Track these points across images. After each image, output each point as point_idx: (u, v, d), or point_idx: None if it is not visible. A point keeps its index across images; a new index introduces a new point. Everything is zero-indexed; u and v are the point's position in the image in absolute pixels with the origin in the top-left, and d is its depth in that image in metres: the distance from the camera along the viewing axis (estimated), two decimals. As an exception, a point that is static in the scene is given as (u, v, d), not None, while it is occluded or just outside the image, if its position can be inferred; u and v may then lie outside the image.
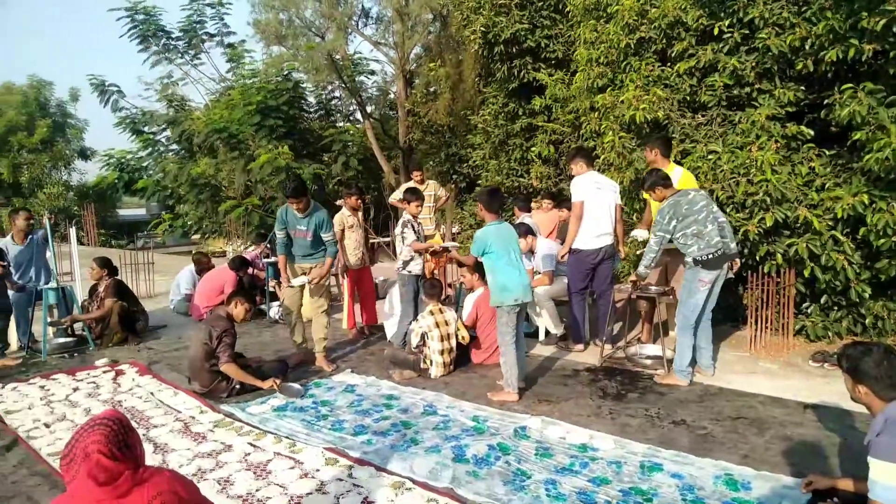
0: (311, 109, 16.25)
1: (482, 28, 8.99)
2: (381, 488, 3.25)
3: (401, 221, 5.96)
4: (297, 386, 4.93)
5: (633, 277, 5.19)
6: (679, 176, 5.13)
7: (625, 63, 6.55)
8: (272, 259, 8.10)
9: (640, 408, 4.38)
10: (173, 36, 15.53)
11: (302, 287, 5.58)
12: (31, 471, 3.65)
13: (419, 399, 4.68)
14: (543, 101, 9.09)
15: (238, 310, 5.02)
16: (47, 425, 4.35)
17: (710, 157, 5.64)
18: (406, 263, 5.89)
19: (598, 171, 6.33)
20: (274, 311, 7.66)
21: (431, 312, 5.26)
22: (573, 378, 5.14)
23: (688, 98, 6.17)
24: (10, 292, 6.29)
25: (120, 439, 2.02)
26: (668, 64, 6.32)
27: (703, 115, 6.16)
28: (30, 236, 6.57)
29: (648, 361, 5.34)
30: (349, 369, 5.51)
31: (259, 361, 5.32)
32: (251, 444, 3.89)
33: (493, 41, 9.09)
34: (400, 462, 3.55)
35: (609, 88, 6.58)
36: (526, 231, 6.16)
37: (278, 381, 4.88)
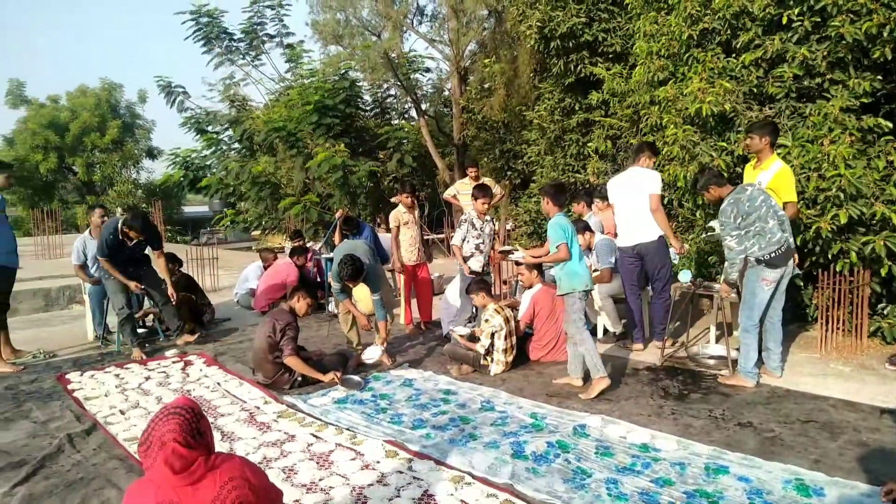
0: (367, 107, 16.47)
1: (538, 23, 8.90)
2: (441, 482, 3.29)
3: (462, 218, 5.99)
4: (357, 378, 5.02)
5: (723, 287, 4.91)
6: (777, 170, 4.79)
7: (687, 55, 6.37)
8: (329, 255, 8.28)
9: (703, 409, 4.27)
10: (235, 38, 15.99)
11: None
12: (109, 454, 3.84)
13: (476, 395, 4.70)
14: (600, 96, 8.94)
15: (300, 304, 5.14)
16: (122, 412, 4.57)
17: (778, 151, 5.44)
18: (466, 259, 5.92)
19: (658, 165, 6.19)
20: (333, 305, 7.81)
21: (497, 311, 5.26)
22: (633, 377, 5.05)
23: (755, 90, 5.95)
24: (89, 286, 6.65)
25: (193, 427, 2.11)
26: (734, 55, 6.11)
27: (770, 108, 5.93)
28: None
29: (711, 362, 5.19)
30: (407, 364, 5.57)
31: (320, 355, 5.43)
32: (313, 435, 3.98)
33: (550, 36, 8.99)
34: (459, 456, 3.58)
35: (671, 81, 6.42)
36: (584, 228, 6.10)
37: (339, 374, 4.98)
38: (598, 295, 6.03)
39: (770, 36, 5.79)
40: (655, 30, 6.70)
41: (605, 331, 6.22)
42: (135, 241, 6.17)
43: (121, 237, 6.04)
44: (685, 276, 5.36)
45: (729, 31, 6.08)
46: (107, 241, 6.01)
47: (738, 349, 4.78)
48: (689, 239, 6.83)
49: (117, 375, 5.45)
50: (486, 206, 5.95)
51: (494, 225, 6.16)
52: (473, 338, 5.35)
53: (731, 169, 5.78)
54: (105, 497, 3.32)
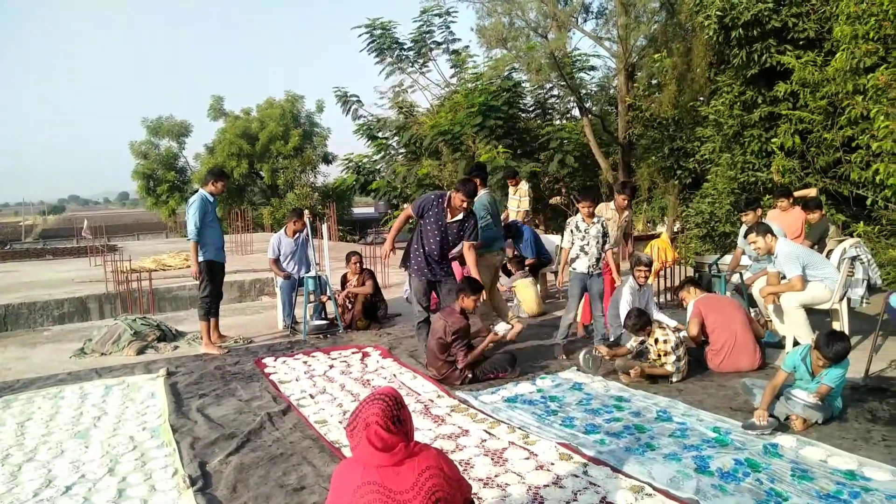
0: (528, 109, 16.50)
1: (718, 12, 8.38)
2: (620, 490, 3.20)
3: (567, 222, 6.17)
4: (506, 325, 5.41)
5: None
6: None
7: (902, 36, 5.65)
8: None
9: (923, 438, 3.75)
10: (405, 47, 16.78)
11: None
12: (303, 434, 4.20)
13: (651, 403, 4.52)
14: (789, 87, 8.20)
15: (467, 302, 5.23)
16: (312, 396, 4.98)
17: None
18: (572, 260, 5.97)
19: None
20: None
21: (665, 332, 5.05)
22: (831, 396, 4.55)
23: None
24: (280, 279, 7.38)
25: (394, 414, 2.25)
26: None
27: None
28: (297, 233, 7.61)
29: (931, 385, 4.54)
30: (575, 367, 5.49)
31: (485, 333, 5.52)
32: (486, 431, 4.06)
33: (731, 25, 8.43)
34: (637, 466, 3.46)
35: (881, 67, 5.72)
36: (766, 231, 5.63)
37: (497, 333, 5.28)
38: (786, 304, 5.54)
39: None
40: (862, 10, 6.01)
41: (795, 343, 5.68)
42: (455, 221, 5.61)
43: (445, 206, 5.56)
44: None
45: (958, 6, 5.30)
46: (420, 204, 5.67)
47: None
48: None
49: (305, 362, 5.95)
50: (587, 209, 6.00)
51: (603, 227, 6.02)
52: (640, 354, 5.18)
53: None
54: (302, 473, 3.63)
